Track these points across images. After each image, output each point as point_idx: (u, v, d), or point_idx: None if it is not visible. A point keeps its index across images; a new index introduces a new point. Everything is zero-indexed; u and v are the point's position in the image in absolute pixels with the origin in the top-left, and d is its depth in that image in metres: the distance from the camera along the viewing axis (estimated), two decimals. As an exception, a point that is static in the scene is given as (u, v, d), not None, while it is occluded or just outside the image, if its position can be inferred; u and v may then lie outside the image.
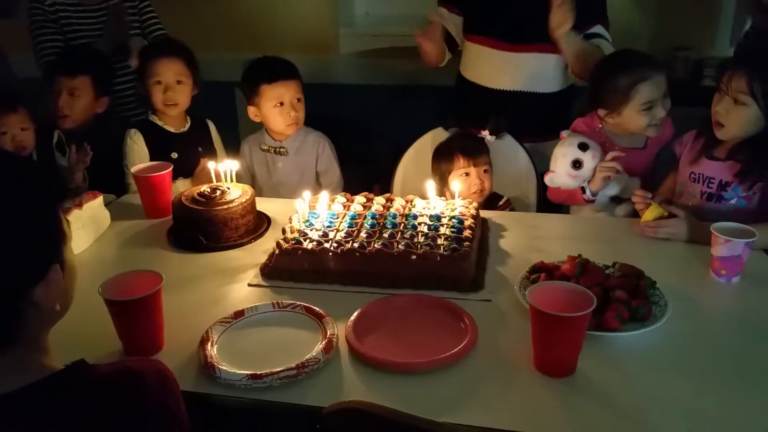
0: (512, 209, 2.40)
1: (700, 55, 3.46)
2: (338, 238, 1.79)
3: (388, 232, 1.80)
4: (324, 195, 1.97)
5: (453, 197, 2.03)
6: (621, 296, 1.51)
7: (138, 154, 2.54)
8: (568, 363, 1.37)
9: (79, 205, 1.99)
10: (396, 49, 3.61)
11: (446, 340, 1.46)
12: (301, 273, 1.75)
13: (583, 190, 2.19)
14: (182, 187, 2.43)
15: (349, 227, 1.84)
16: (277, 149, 2.59)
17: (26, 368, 1.02)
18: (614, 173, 2.12)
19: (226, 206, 1.99)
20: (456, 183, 2.12)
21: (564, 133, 2.25)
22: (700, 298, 1.67)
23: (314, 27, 3.87)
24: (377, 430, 1.10)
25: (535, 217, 2.29)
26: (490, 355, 1.44)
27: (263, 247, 1.96)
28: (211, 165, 2.15)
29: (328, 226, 1.85)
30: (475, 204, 1.99)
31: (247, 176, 2.63)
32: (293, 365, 1.36)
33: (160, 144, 2.57)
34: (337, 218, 1.90)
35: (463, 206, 1.95)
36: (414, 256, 1.70)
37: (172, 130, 2.62)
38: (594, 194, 2.18)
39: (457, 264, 1.69)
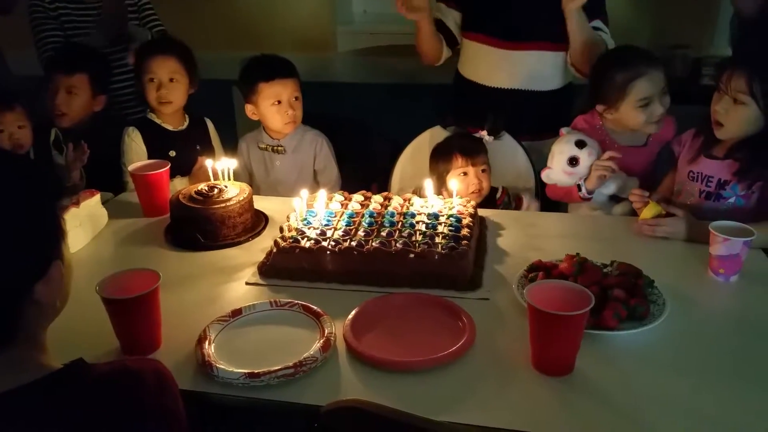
0: (509, 197, 2.41)
1: (698, 54, 3.46)
2: (336, 236, 1.78)
3: (386, 231, 1.80)
4: (322, 193, 1.97)
5: (451, 196, 2.03)
6: (619, 295, 1.51)
7: (136, 152, 2.54)
8: (566, 362, 1.37)
9: (77, 204, 1.99)
10: (394, 47, 3.60)
11: (444, 338, 1.45)
12: (298, 271, 1.75)
13: (579, 187, 2.19)
14: (180, 185, 2.43)
15: (346, 226, 1.84)
16: (275, 147, 2.58)
17: (25, 367, 1.01)
18: (609, 173, 2.12)
19: (223, 205, 1.98)
20: (454, 182, 2.12)
21: (563, 130, 2.25)
22: (699, 297, 1.67)
23: (312, 25, 3.86)
24: (375, 428, 1.10)
25: (533, 216, 2.29)
26: (488, 353, 1.44)
27: (261, 246, 1.96)
28: (208, 163, 2.14)
29: (325, 225, 1.85)
30: (473, 203, 1.99)
31: (244, 174, 2.62)
32: (291, 364, 1.36)
33: (158, 142, 2.56)
34: (335, 217, 1.90)
35: (461, 205, 1.95)
36: (412, 255, 1.70)
37: (170, 128, 2.61)
38: (590, 192, 2.18)
39: (455, 263, 1.68)
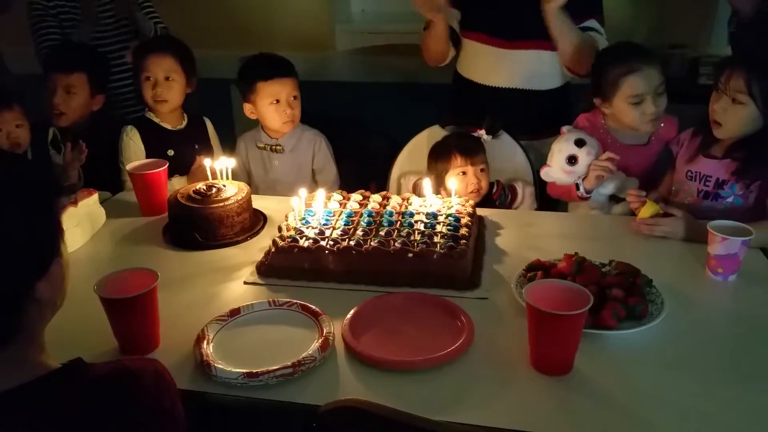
0: (504, 189, 2.41)
1: (696, 53, 3.46)
2: (334, 236, 1.78)
3: (385, 230, 1.80)
4: (320, 193, 1.96)
5: (449, 196, 2.03)
6: (618, 294, 1.51)
7: (134, 151, 2.54)
8: (565, 361, 1.37)
9: (75, 203, 1.99)
10: (392, 46, 3.60)
11: (443, 338, 1.45)
12: (297, 271, 1.75)
13: (577, 186, 2.19)
14: (178, 184, 2.43)
15: (345, 225, 1.84)
16: (274, 147, 2.58)
17: (24, 365, 1.01)
18: (607, 173, 2.12)
19: (221, 204, 1.98)
20: (453, 181, 2.12)
21: (564, 129, 2.25)
22: (697, 296, 1.67)
23: (310, 24, 3.86)
24: (373, 428, 1.10)
25: (531, 215, 2.29)
26: (487, 353, 1.44)
27: (259, 245, 1.96)
28: (207, 162, 2.14)
29: (324, 224, 1.84)
30: (471, 202, 1.99)
31: (243, 174, 2.62)
32: (289, 363, 1.36)
33: (156, 141, 2.56)
34: (334, 216, 1.89)
35: (459, 204, 1.95)
36: (410, 254, 1.69)
37: (168, 127, 2.61)
38: (588, 192, 2.18)
39: (453, 262, 1.68)
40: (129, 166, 2.24)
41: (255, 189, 2.53)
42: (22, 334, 1.03)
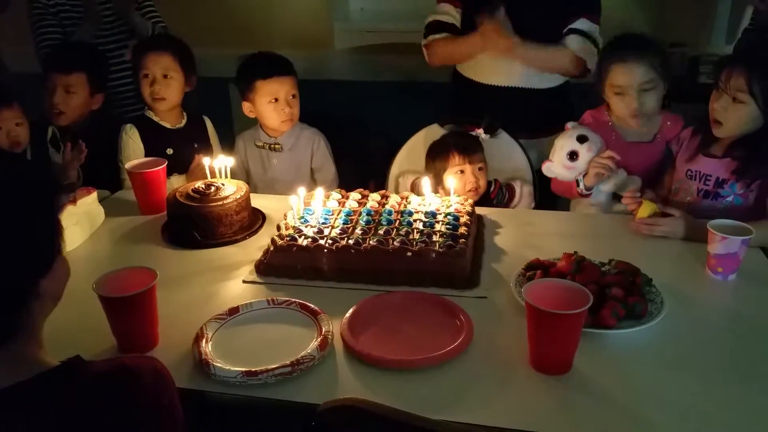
0: (502, 188, 2.40)
1: (696, 52, 3.46)
2: (333, 234, 1.78)
3: (384, 229, 1.79)
4: (319, 191, 1.96)
5: (447, 194, 2.02)
6: (617, 293, 1.51)
7: (133, 150, 2.54)
8: (564, 360, 1.37)
9: (73, 201, 1.99)
10: (392, 44, 3.60)
11: (442, 337, 1.45)
12: (296, 270, 1.75)
13: (577, 182, 2.19)
14: (177, 183, 2.42)
15: (344, 224, 1.83)
16: (272, 145, 2.58)
17: (23, 363, 1.02)
18: (607, 171, 2.12)
19: (220, 202, 1.98)
20: (451, 180, 2.12)
21: (569, 124, 2.25)
22: (697, 295, 1.67)
23: (309, 23, 3.86)
24: (372, 427, 1.10)
25: (530, 214, 2.29)
26: (486, 352, 1.44)
27: (258, 244, 1.95)
28: (205, 161, 2.14)
29: (323, 223, 1.84)
30: (470, 201, 1.99)
31: (241, 172, 2.62)
32: (288, 362, 1.36)
33: (155, 140, 2.56)
34: (332, 215, 1.89)
35: (458, 203, 1.95)
36: (409, 253, 1.69)
37: (167, 125, 2.61)
38: (588, 188, 2.18)
39: (452, 261, 1.68)
40: (128, 165, 2.23)
41: (254, 188, 2.53)
42: (22, 331, 1.04)
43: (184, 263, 1.88)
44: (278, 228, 1.87)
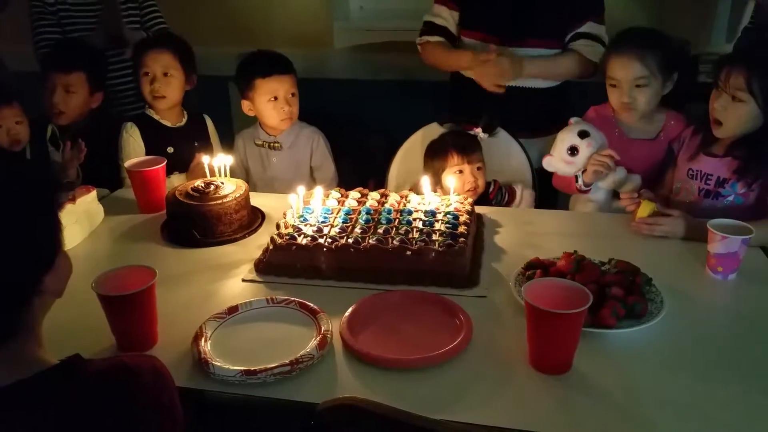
0: (501, 189, 2.40)
1: (695, 51, 3.45)
2: (332, 233, 1.78)
3: (383, 228, 1.79)
4: (318, 190, 1.96)
5: (446, 194, 2.02)
6: (617, 293, 1.51)
7: (134, 148, 2.54)
8: (564, 360, 1.37)
9: (73, 200, 1.99)
10: (391, 43, 3.59)
11: (441, 336, 1.45)
12: (295, 268, 1.75)
13: (576, 178, 2.19)
14: (177, 181, 2.42)
15: (343, 223, 1.83)
16: (272, 144, 2.58)
17: (23, 361, 1.02)
18: (605, 168, 2.12)
19: (219, 201, 1.98)
20: (450, 179, 2.11)
21: (572, 120, 2.25)
22: (697, 295, 1.67)
23: (309, 21, 3.85)
24: (371, 426, 1.10)
25: (530, 213, 2.29)
26: (486, 351, 1.44)
27: (257, 243, 1.95)
28: (205, 160, 2.14)
29: (322, 222, 1.84)
30: (470, 200, 1.99)
31: (241, 171, 2.62)
32: (287, 361, 1.35)
33: (155, 138, 2.56)
34: (332, 214, 1.89)
35: (458, 202, 1.95)
36: (409, 252, 1.69)
37: (168, 124, 2.61)
38: (587, 185, 2.18)
39: (452, 260, 1.68)
40: (127, 164, 2.23)
41: (253, 186, 2.52)
42: (23, 328, 1.04)
43: (183, 262, 1.88)
44: (277, 227, 1.87)
